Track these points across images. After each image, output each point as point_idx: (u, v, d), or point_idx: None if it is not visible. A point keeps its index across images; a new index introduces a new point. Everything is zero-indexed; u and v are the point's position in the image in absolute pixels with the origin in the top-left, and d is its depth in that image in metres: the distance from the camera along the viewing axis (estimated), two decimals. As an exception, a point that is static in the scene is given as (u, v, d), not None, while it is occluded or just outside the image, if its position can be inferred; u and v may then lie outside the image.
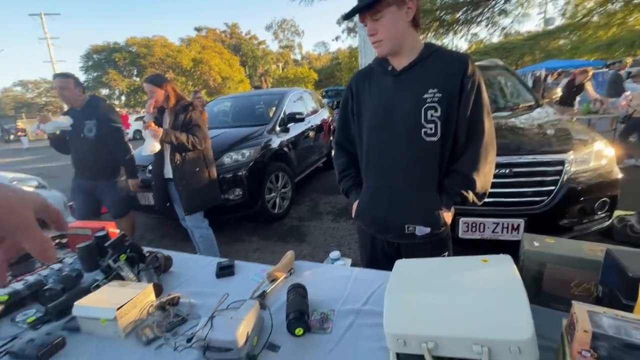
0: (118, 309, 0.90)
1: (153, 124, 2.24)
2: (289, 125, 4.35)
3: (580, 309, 0.63)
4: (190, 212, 2.51)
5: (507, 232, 2.09)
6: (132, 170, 2.90)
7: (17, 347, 0.87)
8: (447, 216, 1.14)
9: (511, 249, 0.94)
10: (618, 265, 0.70)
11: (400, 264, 0.94)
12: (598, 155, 2.23)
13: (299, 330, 0.85)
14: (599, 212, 2.15)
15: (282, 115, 4.36)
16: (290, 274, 1.15)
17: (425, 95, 1.07)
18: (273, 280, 1.10)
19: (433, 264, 0.92)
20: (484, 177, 1.11)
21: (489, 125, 1.10)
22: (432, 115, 1.06)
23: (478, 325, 0.66)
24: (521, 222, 2.08)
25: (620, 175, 2.20)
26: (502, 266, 0.81)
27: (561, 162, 2.13)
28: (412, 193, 1.14)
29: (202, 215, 2.59)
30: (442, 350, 0.68)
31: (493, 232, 2.12)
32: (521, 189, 2.15)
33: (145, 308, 0.98)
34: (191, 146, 2.36)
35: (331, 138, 6.00)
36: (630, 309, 0.65)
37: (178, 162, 2.40)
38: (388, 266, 1.08)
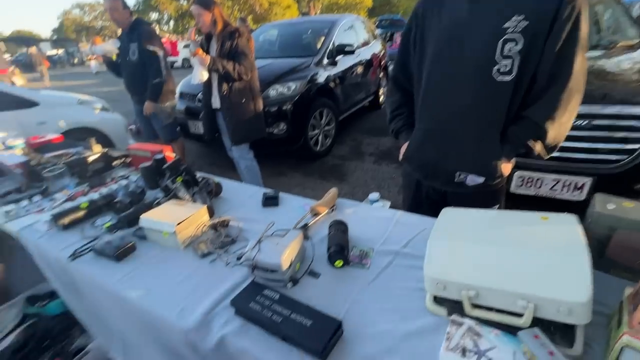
0: (178, 224, 1.00)
1: (200, 51, 2.21)
2: (337, 58, 4.09)
3: (654, 281, 0.57)
4: (237, 143, 2.59)
5: (568, 191, 1.91)
6: (152, 94, 2.93)
7: (98, 246, 1.03)
8: (506, 167, 1.05)
9: (565, 210, 0.85)
10: None
11: (448, 211, 0.91)
12: None
13: (338, 262, 0.90)
14: (688, 179, 1.86)
15: (330, 46, 4.08)
16: (332, 210, 1.18)
17: (507, 25, 0.90)
18: (315, 215, 1.13)
19: (484, 215, 0.87)
20: (560, 128, 0.97)
21: (580, 65, 0.91)
22: (510, 50, 0.91)
23: (528, 281, 0.64)
24: (587, 181, 1.88)
25: None
26: (566, 226, 0.75)
27: (656, 116, 1.80)
28: (469, 138, 1.04)
29: (248, 147, 2.67)
30: (483, 300, 0.67)
31: (551, 189, 1.95)
32: (596, 144, 1.89)
33: (200, 226, 1.08)
34: (237, 75, 2.33)
35: (381, 75, 5.60)
36: None
37: (225, 92, 2.40)
38: (431, 214, 1.07)
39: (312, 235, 1.04)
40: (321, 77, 3.73)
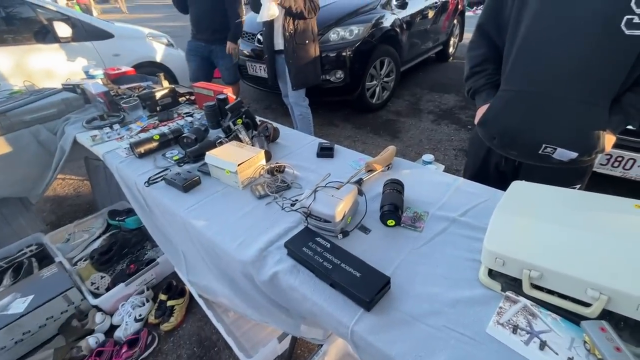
0: (239, 164, 1.05)
1: None
2: None
3: None
4: (297, 87, 2.51)
5: (666, 176, 1.64)
6: (235, 34, 2.89)
7: (169, 176, 1.13)
8: (609, 141, 0.91)
9: None
10: None
11: (519, 184, 0.83)
12: None
13: (391, 222, 0.89)
14: None
15: (402, -15, 3.65)
16: (388, 168, 1.15)
17: None
18: (370, 171, 1.11)
19: (563, 193, 0.79)
20: None
21: None
22: None
23: (606, 271, 0.58)
24: (694, 168, 1.59)
25: None
26: (666, 219, 0.64)
27: None
28: (572, 104, 0.89)
29: (304, 93, 2.62)
30: (546, 283, 0.63)
31: (643, 172, 1.69)
32: None
33: (257, 169, 1.12)
34: (307, 13, 2.20)
35: (455, 22, 4.97)
36: None
37: (291, 32, 2.27)
38: (497, 186, 0.99)
39: (365, 191, 1.03)
40: (387, 21, 3.40)
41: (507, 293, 0.67)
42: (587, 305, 0.59)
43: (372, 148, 2.93)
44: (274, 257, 0.83)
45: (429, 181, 1.08)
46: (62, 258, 1.74)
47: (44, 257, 1.83)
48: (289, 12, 2.20)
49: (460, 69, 5.43)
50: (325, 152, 1.26)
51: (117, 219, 2.02)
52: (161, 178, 1.16)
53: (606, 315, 0.58)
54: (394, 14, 3.52)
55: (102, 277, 1.72)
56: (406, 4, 3.67)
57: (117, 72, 2.15)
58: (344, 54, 3.11)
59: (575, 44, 0.84)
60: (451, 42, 5.17)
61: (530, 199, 0.78)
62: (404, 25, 3.67)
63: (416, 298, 0.70)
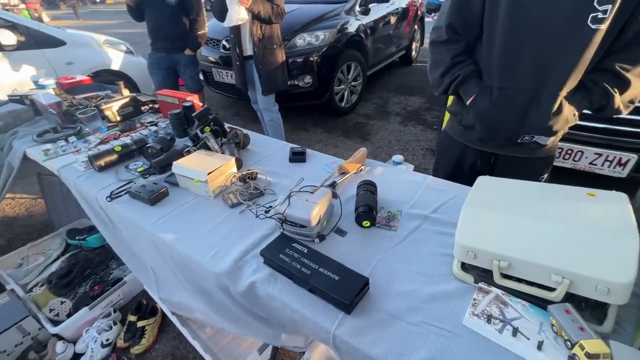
0: (209, 173, 1.01)
1: None
2: (370, 6, 3.77)
3: None
4: (269, 92, 2.48)
5: (610, 166, 1.79)
6: (196, 44, 2.88)
7: (134, 189, 1.07)
8: (572, 116, 0.98)
9: (599, 185, 0.81)
10: None
11: (485, 180, 0.87)
12: None
13: (366, 223, 0.90)
14: None
15: (364, -9, 3.75)
16: (361, 170, 1.16)
17: None
18: (343, 173, 1.12)
19: (524, 186, 0.83)
20: None
21: None
22: None
23: (566, 256, 0.62)
24: (633, 157, 1.75)
25: None
26: (615, 204, 0.70)
27: None
28: (547, 98, 0.95)
29: (274, 99, 2.60)
30: (514, 272, 0.67)
31: (591, 163, 1.84)
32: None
33: (229, 177, 1.09)
34: (274, 17, 2.19)
35: (415, 27, 5.18)
36: None
37: (259, 37, 2.26)
38: (470, 183, 0.99)
39: (339, 194, 1.03)
40: (352, 27, 3.48)
41: (479, 284, 0.70)
42: (552, 290, 0.63)
43: (344, 151, 2.96)
44: (250, 266, 0.81)
45: (400, 181, 1.11)
46: (15, 285, 1.59)
47: (-8, 286, 1.66)
48: (256, 17, 2.18)
49: (423, 72, 5.64)
50: (297, 157, 1.26)
51: (77, 238, 1.88)
52: (125, 191, 1.10)
53: (569, 298, 0.62)
54: (357, 19, 3.60)
55: (62, 303, 1.59)
56: (369, 10, 3.77)
57: (71, 81, 2.01)
58: (311, 59, 3.13)
59: (549, 39, 0.89)
60: (413, 47, 5.38)
61: (494, 192, 0.82)
62: (368, 31, 3.77)
63: (395, 296, 0.71)
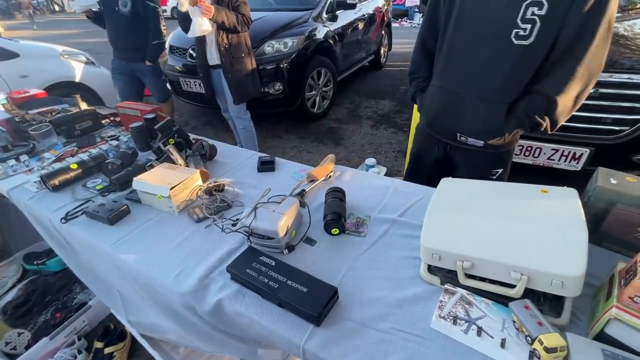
0: (171, 188, 0.98)
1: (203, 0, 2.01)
2: (337, 12, 3.83)
3: (649, 258, 0.57)
4: (240, 100, 2.46)
5: (566, 160, 1.90)
6: (153, 55, 2.78)
7: (91, 208, 1.01)
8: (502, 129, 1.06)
9: (558, 180, 0.87)
10: None
11: (447, 182, 0.89)
12: None
13: (335, 230, 0.90)
14: (686, 151, 1.85)
15: (330, -1, 3.80)
16: (330, 177, 1.16)
17: None
18: (312, 181, 1.12)
19: (484, 186, 0.86)
20: (571, 103, 0.95)
21: (602, 38, 0.87)
22: (533, 13, 0.88)
23: (523, 253, 0.64)
24: (585, 151, 1.87)
25: None
26: (565, 199, 0.74)
27: (666, 87, 1.75)
28: (475, 101, 1.05)
29: (245, 107, 2.57)
30: (477, 271, 0.68)
31: (549, 159, 1.94)
32: (599, 114, 1.85)
33: (194, 191, 1.06)
34: (240, 26, 2.17)
35: (383, 32, 5.31)
36: None
37: (226, 46, 2.24)
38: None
39: (308, 202, 1.02)
40: (320, 33, 3.51)
41: (445, 286, 0.71)
42: (512, 287, 0.65)
43: (318, 157, 2.97)
44: (216, 283, 0.78)
45: (368, 185, 1.11)
46: (-37, 319, 1.45)
47: (-63, 322, 1.51)
48: (221, 27, 2.16)
49: (392, 76, 5.76)
50: (266, 166, 1.24)
51: (35, 262, 1.75)
52: (81, 212, 1.04)
53: (529, 293, 0.64)
54: (325, 26, 3.64)
55: (19, 334, 1.47)
56: (336, 17, 3.83)
57: (23, 95, 1.89)
58: (281, 66, 3.13)
59: (481, 50, 0.99)
60: (382, 52, 5.51)
61: (456, 194, 0.84)
62: (337, 37, 3.81)
63: (364, 304, 0.71)
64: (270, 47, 3.15)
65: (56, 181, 1.15)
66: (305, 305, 0.66)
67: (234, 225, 0.93)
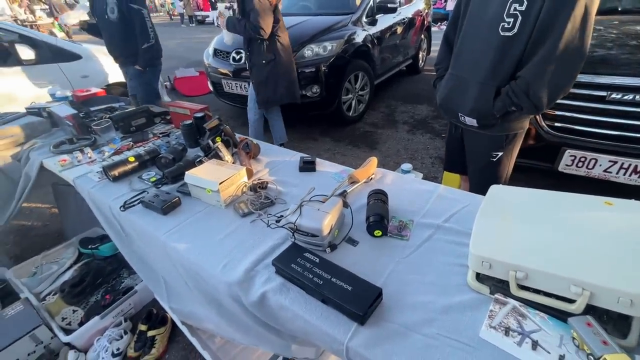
0: (220, 183, 1.02)
1: (222, 13, 2.22)
2: (377, 16, 3.82)
3: None
4: (260, 105, 2.59)
5: (626, 174, 1.75)
6: (144, 60, 2.66)
7: (147, 198, 1.09)
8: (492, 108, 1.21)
9: (620, 193, 0.81)
10: None
11: (497, 188, 0.86)
12: None
13: (377, 232, 0.89)
14: None
15: (371, 3, 3.80)
16: (371, 179, 1.16)
17: None
18: (353, 182, 1.12)
19: (538, 195, 0.82)
20: (549, 87, 1.06)
21: (574, 27, 0.99)
22: (515, 9, 1.05)
23: (585, 267, 0.60)
24: (648, 164, 1.71)
25: None
26: (633, 213, 0.69)
27: None
28: (471, 85, 1.22)
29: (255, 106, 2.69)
30: (531, 282, 0.65)
31: (605, 171, 1.80)
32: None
33: (240, 187, 1.10)
34: (249, 34, 2.30)
35: (422, 36, 5.21)
36: None
37: (248, 52, 2.41)
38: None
39: (350, 203, 1.03)
40: (359, 37, 3.52)
41: (496, 295, 0.69)
42: (571, 301, 0.61)
43: (352, 160, 2.97)
44: (261, 276, 0.81)
45: (411, 190, 1.10)
46: (29, 293, 1.61)
47: (7, 294, 1.69)
48: (242, 36, 2.37)
49: (430, 80, 5.64)
50: (307, 166, 1.26)
51: (89, 247, 1.90)
52: (138, 201, 1.12)
53: (590, 310, 0.60)
54: (364, 30, 3.64)
55: (74, 311, 1.61)
56: (376, 21, 3.82)
57: (86, 93, 2.07)
58: (319, 69, 3.17)
59: (476, 40, 1.19)
60: (420, 56, 5.40)
61: (508, 201, 0.81)
62: (375, 41, 3.80)
63: (408, 308, 0.70)
64: (310, 51, 3.20)
65: (116, 172, 1.25)
66: (350, 303, 0.67)
67: (278, 221, 0.96)
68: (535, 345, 0.58)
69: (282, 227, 0.92)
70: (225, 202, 1.06)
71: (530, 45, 1.07)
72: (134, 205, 1.11)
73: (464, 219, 0.93)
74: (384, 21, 3.98)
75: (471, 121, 1.27)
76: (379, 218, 0.90)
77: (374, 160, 1.19)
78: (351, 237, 0.90)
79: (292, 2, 4.31)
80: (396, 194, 1.05)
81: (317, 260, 0.78)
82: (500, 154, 1.30)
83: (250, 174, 1.19)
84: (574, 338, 0.58)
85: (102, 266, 1.80)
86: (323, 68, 3.17)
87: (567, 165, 1.87)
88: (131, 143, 1.56)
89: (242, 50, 2.60)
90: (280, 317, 0.77)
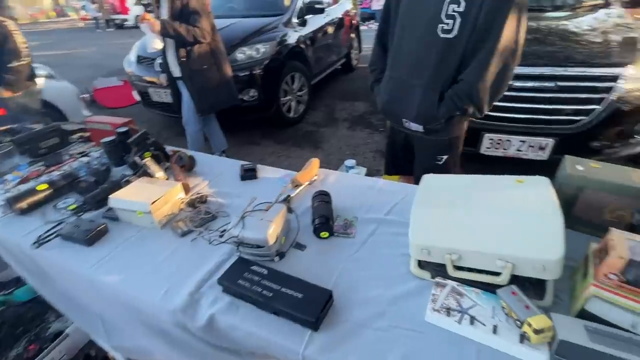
0: (152, 202, 0.94)
1: (148, 16, 2.01)
2: (306, 17, 3.86)
3: (619, 237, 0.62)
4: (203, 112, 2.46)
5: (533, 151, 2.01)
6: (6, 80, 2.22)
7: (66, 230, 0.96)
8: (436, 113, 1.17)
9: (528, 170, 0.93)
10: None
11: (428, 178, 0.92)
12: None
13: (324, 234, 0.90)
14: (637, 137, 2.02)
15: (300, 4, 3.82)
16: (314, 181, 1.16)
17: None
18: (297, 186, 1.11)
19: (463, 180, 0.90)
20: (490, 89, 1.07)
21: (510, 29, 1.00)
22: (453, 10, 1.01)
23: (507, 243, 0.67)
24: (550, 142, 1.98)
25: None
26: (539, 188, 0.78)
27: (614, 78, 1.90)
28: (414, 88, 1.17)
29: (195, 114, 2.49)
30: (465, 262, 0.71)
31: (517, 150, 2.05)
32: (560, 105, 1.98)
33: (176, 204, 1.03)
34: (192, 38, 2.15)
35: (352, 35, 5.40)
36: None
37: (183, 58, 2.24)
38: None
39: (295, 207, 1.02)
40: (291, 38, 3.52)
41: (436, 279, 0.73)
42: (498, 274, 0.68)
43: (297, 161, 2.96)
44: (208, 298, 0.76)
45: (353, 187, 1.13)
46: None
47: None
48: (177, 40, 2.17)
49: (365, 78, 5.85)
50: (248, 174, 1.22)
51: (2, 293, 1.63)
52: (55, 234, 0.98)
53: (514, 279, 0.67)
54: (296, 31, 3.65)
55: (-12, 372, 1.36)
56: (306, 21, 3.85)
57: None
58: (254, 72, 3.10)
59: (414, 42, 1.14)
60: (353, 55, 5.60)
61: (438, 189, 0.87)
62: (308, 42, 3.84)
63: (359, 304, 0.72)
64: (242, 54, 3.12)
65: (24, 204, 1.08)
66: (301, 311, 0.66)
67: (221, 236, 0.92)
68: (473, 320, 0.64)
69: (225, 242, 0.87)
70: (160, 223, 0.98)
71: (471, 48, 1.05)
72: (49, 240, 0.97)
73: (403, 210, 0.98)
74: (315, 22, 4.04)
75: (417, 127, 1.22)
76: (324, 220, 0.90)
77: (315, 162, 1.20)
78: (299, 242, 0.90)
79: (218, 3, 4.14)
80: (339, 193, 1.06)
81: (266, 272, 0.76)
82: (446, 156, 1.28)
83: (186, 188, 1.12)
84: (503, 307, 0.65)
85: (20, 313, 1.55)
86: (258, 71, 3.12)
87: (487, 147, 2.09)
88: (42, 168, 1.37)
89: (169, 56, 2.36)
90: (232, 337, 0.74)
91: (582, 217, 0.83)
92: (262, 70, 3.14)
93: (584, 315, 0.62)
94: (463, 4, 0.99)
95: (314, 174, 1.16)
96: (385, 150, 1.56)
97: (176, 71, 2.35)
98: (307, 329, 0.67)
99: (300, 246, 0.89)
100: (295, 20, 3.72)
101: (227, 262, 0.85)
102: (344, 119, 3.95)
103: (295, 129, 3.74)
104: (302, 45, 3.69)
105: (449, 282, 0.72)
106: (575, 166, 0.84)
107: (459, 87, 1.09)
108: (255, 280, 0.74)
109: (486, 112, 1.15)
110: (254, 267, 0.77)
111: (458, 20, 1.01)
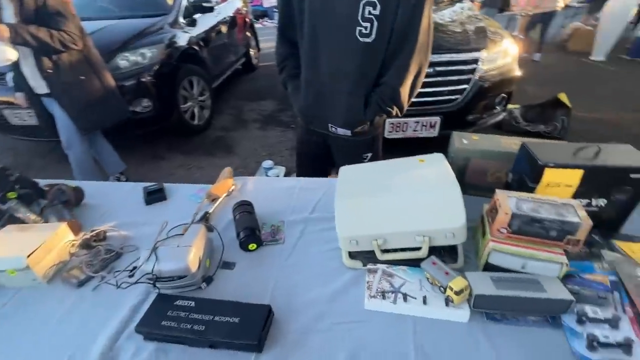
0: (29, 255, 0.75)
1: None
2: (195, 17, 3.60)
3: (502, 196, 0.74)
4: (87, 131, 2.09)
5: (426, 129, 2.29)
6: None
7: None
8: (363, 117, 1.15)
9: (426, 146, 1.04)
10: (530, 155, 0.81)
11: (344, 170, 0.95)
12: (505, 53, 2.42)
13: (252, 246, 0.86)
14: (497, 107, 2.47)
15: (185, 2, 3.54)
16: (232, 191, 1.09)
17: None
18: (214, 200, 1.03)
19: (375, 167, 0.96)
20: (409, 89, 1.09)
21: (424, 32, 1.01)
22: (369, 13, 0.96)
23: (421, 219, 0.74)
24: (437, 119, 2.28)
25: (519, 73, 2.48)
26: (437, 164, 0.88)
27: (475, 61, 2.27)
28: (338, 94, 1.12)
29: (76, 134, 2.11)
30: (390, 244, 0.76)
31: (414, 130, 2.30)
32: (440, 88, 2.28)
33: (64, 249, 0.85)
34: (59, 45, 1.79)
35: (248, 34, 5.27)
36: (533, 190, 0.80)
37: (50, 70, 1.84)
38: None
39: (216, 224, 0.95)
40: (181, 40, 3.23)
41: (368, 266, 0.76)
42: (419, 249, 0.74)
43: (211, 170, 2.77)
44: (127, 351, 0.65)
45: (273, 190, 1.10)
46: None
47: None
48: (37, 49, 1.77)
49: (268, 75, 5.79)
50: (154, 196, 1.08)
51: None
52: None
53: (432, 251, 0.74)
54: (186, 32, 3.37)
55: None
56: (195, 21, 3.59)
57: None
58: (143, 79, 2.76)
59: (332, 45, 1.05)
60: (252, 53, 5.47)
61: (355, 180, 0.90)
62: (202, 43, 3.59)
63: (300, 311, 0.70)
64: (125, 60, 2.74)
65: None
66: (240, 336, 0.61)
67: (131, 276, 0.79)
68: (405, 296, 0.68)
69: (138, 282, 0.75)
70: (46, 277, 0.79)
71: (390, 51, 1.04)
72: None
73: (327, 205, 1.00)
74: (205, 21, 3.79)
75: (344, 132, 1.19)
76: (250, 231, 0.86)
77: (228, 170, 1.13)
78: (226, 260, 0.83)
79: (83, 2, 3.54)
80: (261, 199, 1.02)
81: (193, 304, 0.68)
82: (370, 154, 1.29)
83: (76, 228, 0.93)
84: (427, 278, 0.71)
85: None
86: (148, 78, 2.78)
87: (389, 132, 2.30)
88: None
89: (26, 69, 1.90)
90: (166, 387, 0.64)
91: (472, 182, 0.96)
92: (153, 77, 2.81)
93: (488, 267, 0.72)
94: (379, 6, 0.95)
95: (230, 184, 1.09)
96: (296, 153, 1.48)
97: (40, 87, 1.93)
98: (251, 353, 0.62)
99: (228, 265, 0.82)
100: (182, 20, 3.43)
101: (144, 303, 0.73)
102: (254, 120, 3.85)
103: (203, 137, 3.49)
104: (196, 47, 3.44)
105: (379, 266, 0.76)
106: (462, 140, 0.97)
107: (383, 91, 1.08)
108: (182, 316, 0.66)
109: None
110: (178, 302, 0.69)
111: (375, 23, 0.97)
